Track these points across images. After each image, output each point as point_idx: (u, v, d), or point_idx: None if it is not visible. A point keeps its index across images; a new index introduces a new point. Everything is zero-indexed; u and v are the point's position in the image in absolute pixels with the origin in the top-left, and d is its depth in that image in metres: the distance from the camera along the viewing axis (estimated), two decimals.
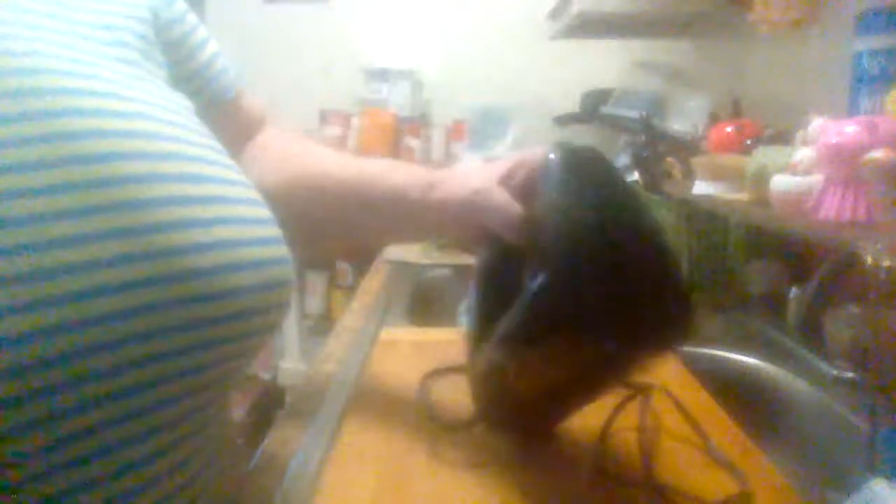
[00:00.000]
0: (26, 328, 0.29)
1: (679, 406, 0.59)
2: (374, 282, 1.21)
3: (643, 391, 0.61)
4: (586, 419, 0.58)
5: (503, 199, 0.53)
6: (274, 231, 0.41)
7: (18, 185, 0.30)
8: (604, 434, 0.54)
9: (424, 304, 1.26)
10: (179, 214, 0.34)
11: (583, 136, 1.77)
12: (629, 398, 0.60)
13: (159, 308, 0.33)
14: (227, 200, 0.38)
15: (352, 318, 0.92)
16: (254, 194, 0.41)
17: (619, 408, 0.57)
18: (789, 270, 0.92)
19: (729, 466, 0.50)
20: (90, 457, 0.33)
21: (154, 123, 0.37)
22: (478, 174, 0.55)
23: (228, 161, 0.41)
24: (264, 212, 0.41)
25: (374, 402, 0.64)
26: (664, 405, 0.60)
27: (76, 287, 0.31)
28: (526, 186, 0.54)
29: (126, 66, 0.40)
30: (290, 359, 2.05)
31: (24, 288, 0.29)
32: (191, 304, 0.34)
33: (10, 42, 0.34)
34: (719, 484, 0.49)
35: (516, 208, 0.52)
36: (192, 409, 0.37)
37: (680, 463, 0.51)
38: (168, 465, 0.37)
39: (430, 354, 0.70)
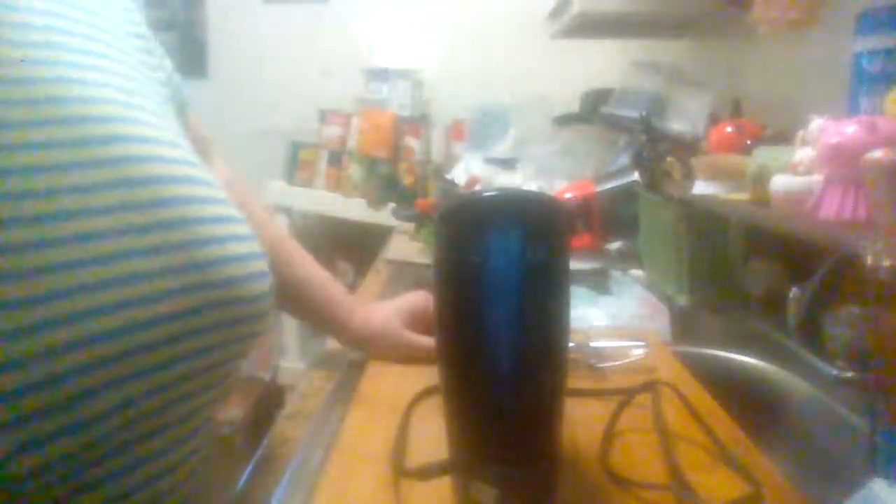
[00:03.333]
0: (89, 332, 0.33)
1: (688, 405, 0.59)
2: (374, 282, 1.21)
3: (650, 388, 0.62)
4: (586, 420, 0.58)
5: (405, 340, 0.72)
6: (260, 247, 0.45)
7: (84, 205, 0.35)
8: (609, 433, 0.54)
9: None
10: (204, 232, 0.40)
11: (583, 136, 1.77)
12: (632, 396, 0.60)
13: (193, 312, 0.38)
14: (231, 220, 0.43)
15: None
16: (240, 213, 0.46)
17: (621, 406, 0.58)
18: (789, 270, 0.92)
19: (741, 467, 0.50)
20: (122, 448, 0.36)
21: (178, 150, 0.43)
22: (380, 317, 0.74)
23: (217, 180, 0.45)
24: (249, 229, 0.46)
25: (373, 402, 0.64)
26: (664, 404, 0.60)
27: (128, 295, 0.35)
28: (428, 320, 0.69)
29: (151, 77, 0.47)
30: (290, 359, 2.05)
31: (84, 297, 0.34)
32: (217, 308, 0.40)
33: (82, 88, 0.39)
34: (725, 484, 0.49)
35: (417, 345, 0.72)
36: (203, 404, 0.42)
37: (683, 462, 0.51)
38: (177, 459, 0.41)
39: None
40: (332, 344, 0.79)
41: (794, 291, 0.84)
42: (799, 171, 0.71)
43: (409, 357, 0.72)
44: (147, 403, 0.37)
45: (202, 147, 0.63)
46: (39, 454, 0.32)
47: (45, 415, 0.32)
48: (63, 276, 0.33)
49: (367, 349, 0.75)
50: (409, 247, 1.46)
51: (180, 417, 0.40)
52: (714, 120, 1.34)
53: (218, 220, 0.42)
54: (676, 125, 1.49)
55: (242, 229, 0.44)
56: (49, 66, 0.38)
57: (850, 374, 0.70)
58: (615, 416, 0.56)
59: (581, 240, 1.31)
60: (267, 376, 2.02)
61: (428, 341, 0.72)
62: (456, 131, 1.99)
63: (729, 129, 1.06)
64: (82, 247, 0.34)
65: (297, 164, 2.10)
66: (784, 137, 0.90)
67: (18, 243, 0.32)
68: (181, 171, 0.41)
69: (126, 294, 0.35)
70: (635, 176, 1.26)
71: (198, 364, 0.39)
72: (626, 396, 0.59)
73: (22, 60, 0.37)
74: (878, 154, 0.56)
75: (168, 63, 0.54)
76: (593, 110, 1.69)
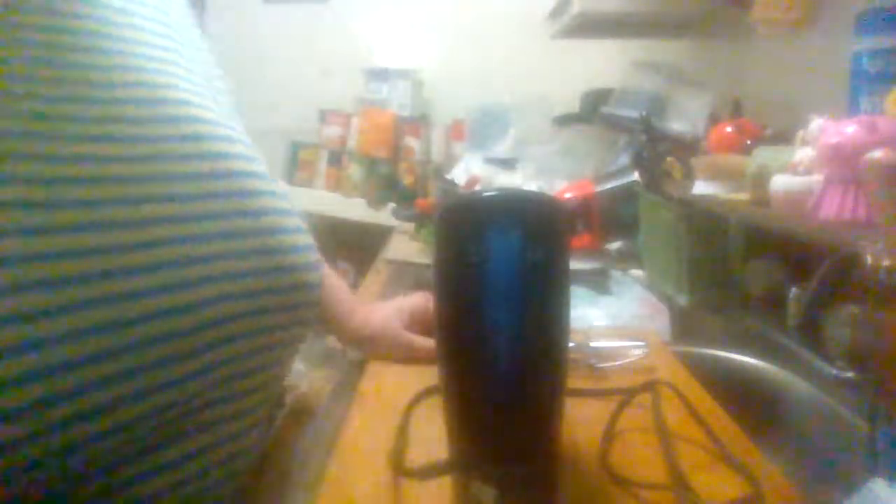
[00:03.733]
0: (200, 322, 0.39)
1: (688, 405, 0.59)
2: (374, 282, 1.21)
3: (650, 388, 0.62)
4: (586, 420, 0.58)
5: (404, 340, 0.72)
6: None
7: (195, 212, 0.41)
8: (609, 433, 0.54)
9: None
10: (277, 223, 0.47)
11: (583, 136, 1.77)
12: (632, 396, 0.60)
13: (266, 293, 0.44)
14: (293, 214, 0.49)
15: None
16: None
17: (621, 406, 0.58)
18: (789, 270, 0.92)
19: (741, 467, 0.50)
20: (200, 409, 0.42)
21: (253, 153, 0.49)
22: (379, 318, 0.74)
23: None
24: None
25: (373, 402, 0.64)
26: (664, 404, 0.60)
27: (227, 290, 0.41)
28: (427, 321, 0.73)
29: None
30: None
31: (191, 291, 0.39)
32: (284, 291, 0.46)
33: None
34: (725, 484, 0.49)
35: (416, 347, 0.72)
36: (266, 380, 0.48)
37: (683, 462, 0.51)
38: (245, 426, 0.46)
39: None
40: (332, 344, 0.79)
41: (794, 291, 0.84)
42: (799, 171, 0.71)
43: (408, 358, 0.72)
44: (220, 371, 0.42)
45: None
46: (130, 409, 0.37)
47: (132, 376, 0.37)
48: (177, 270, 0.39)
49: (367, 349, 0.75)
50: (409, 247, 1.46)
51: (247, 389, 0.45)
52: (714, 120, 1.34)
53: (285, 213, 0.48)
54: (676, 125, 1.49)
55: (301, 223, 0.50)
56: (165, 89, 0.44)
57: (850, 374, 0.70)
58: (615, 416, 0.56)
59: (581, 240, 1.31)
60: None
61: (427, 342, 0.72)
62: (456, 131, 1.99)
63: (729, 129, 1.06)
64: (197, 246, 0.41)
65: (297, 164, 2.10)
66: (784, 137, 0.90)
67: (148, 240, 0.38)
68: (256, 168, 0.47)
69: (218, 269, 0.41)
70: (635, 176, 1.26)
71: (262, 341, 0.45)
72: (626, 396, 0.59)
73: (140, 84, 0.43)
74: (878, 154, 0.56)
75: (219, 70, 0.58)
76: (593, 110, 1.69)
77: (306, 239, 0.50)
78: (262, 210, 0.45)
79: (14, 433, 0.32)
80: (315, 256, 0.50)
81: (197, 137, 0.43)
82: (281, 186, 0.50)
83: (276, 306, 0.45)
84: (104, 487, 0.37)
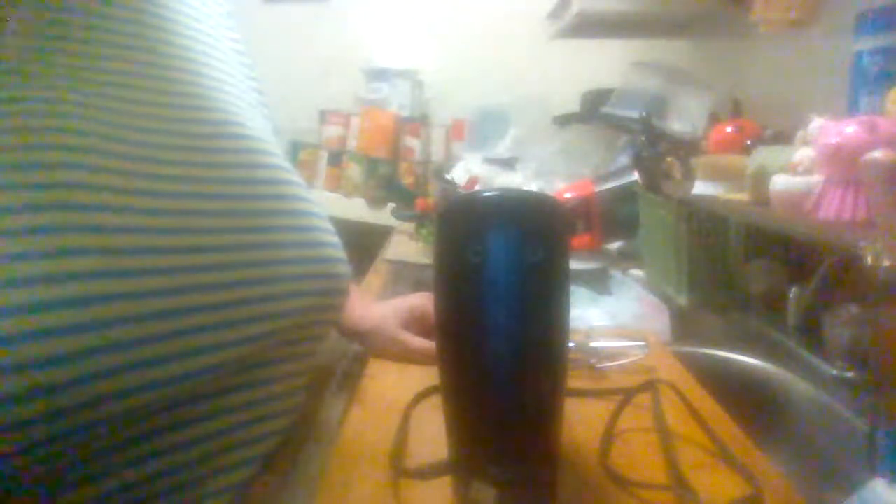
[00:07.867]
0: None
1: (688, 405, 0.59)
2: (374, 282, 1.21)
3: (650, 388, 0.62)
4: (586, 420, 0.58)
5: (400, 339, 0.73)
6: None
7: (263, 224, 0.48)
8: (609, 433, 0.54)
9: None
10: (332, 240, 0.55)
11: (583, 136, 1.77)
12: (632, 396, 0.60)
13: (323, 299, 0.52)
14: (324, 216, 0.56)
15: None
16: None
17: (621, 406, 0.58)
18: (789, 270, 0.92)
19: (741, 467, 0.50)
20: (266, 363, 0.49)
21: (291, 171, 0.55)
22: (378, 315, 0.76)
23: None
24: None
25: (373, 402, 0.64)
26: (664, 404, 0.60)
27: (295, 288, 0.49)
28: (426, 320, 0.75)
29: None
30: None
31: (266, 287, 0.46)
32: (335, 296, 0.54)
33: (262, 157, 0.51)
34: (725, 484, 0.49)
35: (411, 346, 0.72)
36: (308, 351, 0.54)
37: (683, 462, 0.51)
38: (295, 385, 0.53)
39: None
40: (331, 344, 0.79)
41: (794, 291, 0.84)
42: (799, 171, 0.71)
43: (404, 357, 0.72)
44: (278, 337, 0.48)
45: None
46: (209, 357, 0.42)
47: (215, 329, 0.42)
48: (255, 270, 0.46)
49: (363, 343, 0.76)
50: (409, 247, 1.46)
51: (296, 356, 0.52)
52: (714, 120, 1.34)
53: (321, 216, 0.54)
54: (676, 125, 1.49)
55: (327, 221, 0.56)
56: (218, 105, 0.49)
57: (850, 374, 0.70)
58: (615, 416, 0.56)
59: (581, 240, 1.31)
60: None
61: (422, 343, 0.72)
62: (456, 131, 1.98)
63: (729, 129, 1.06)
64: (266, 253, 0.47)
65: (297, 164, 2.10)
66: (784, 137, 0.90)
67: (232, 244, 0.44)
68: (298, 179, 0.54)
69: (291, 286, 0.49)
70: (635, 176, 1.26)
71: (306, 319, 0.51)
72: (626, 396, 0.59)
73: (212, 111, 0.49)
74: (877, 154, 0.56)
75: (256, 73, 0.61)
76: (593, 110, 1.69)
77: (335, 236, 0.56)
78: (311, 225, 0.52)
79: (89, 369, 0.35)
80: (342, 250, 0.57)
81: (268, 181, 0.50)
82: (310, 192, 0.56)
83: (322, 298, 0.52)
84: (178, 420, 0.42)
